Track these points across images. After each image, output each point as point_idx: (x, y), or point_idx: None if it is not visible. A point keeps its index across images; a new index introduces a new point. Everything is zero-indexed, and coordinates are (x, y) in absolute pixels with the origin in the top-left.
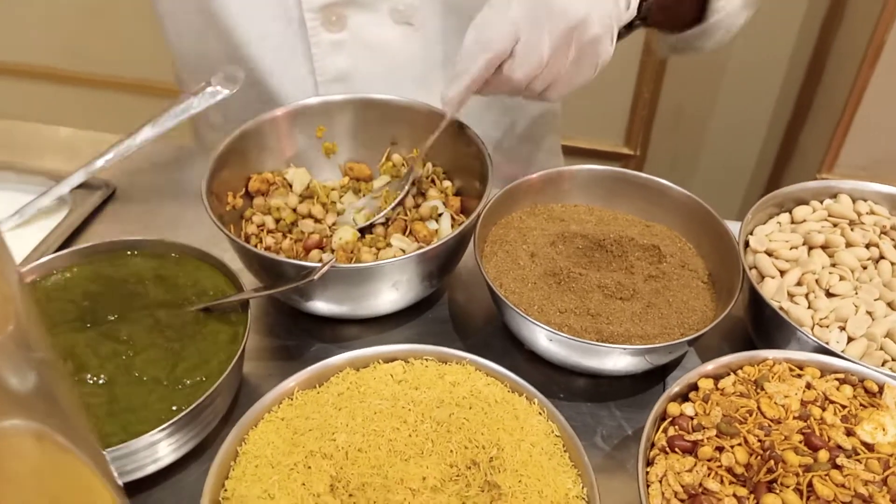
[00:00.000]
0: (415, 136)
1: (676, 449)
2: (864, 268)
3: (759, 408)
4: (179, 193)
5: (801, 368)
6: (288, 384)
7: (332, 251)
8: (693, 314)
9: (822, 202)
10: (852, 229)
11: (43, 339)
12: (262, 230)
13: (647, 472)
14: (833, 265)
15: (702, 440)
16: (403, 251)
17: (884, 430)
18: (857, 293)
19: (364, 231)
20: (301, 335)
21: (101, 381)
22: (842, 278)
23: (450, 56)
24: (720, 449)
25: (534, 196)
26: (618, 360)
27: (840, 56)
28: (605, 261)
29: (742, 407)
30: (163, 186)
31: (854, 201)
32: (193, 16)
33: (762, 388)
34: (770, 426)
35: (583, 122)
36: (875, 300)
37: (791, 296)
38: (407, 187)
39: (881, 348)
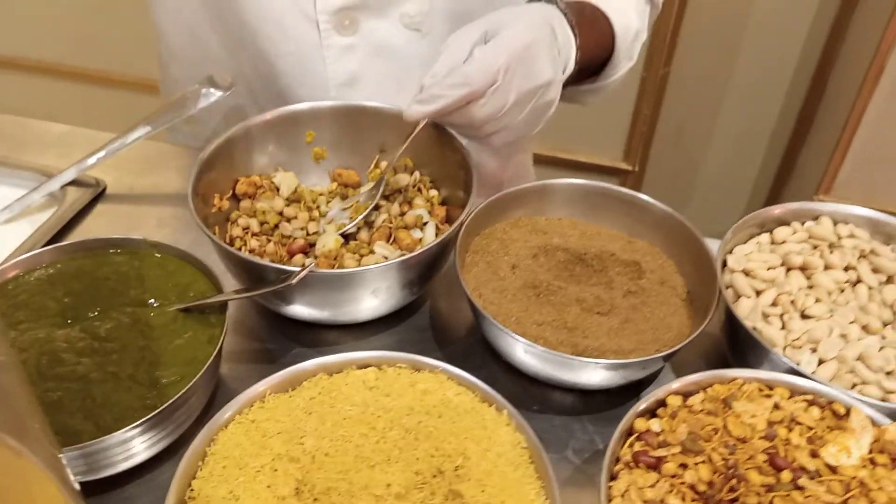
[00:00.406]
0: (403, 143)
1: (641, 464)
2: (842, 290)
3: (725, 426)
4: (167, 193)
5: (770, 388)
6: (260, 387)
7: (316, 256)
8: (669, 331)
9: (803, 224)
10: (832, 252)
11: (1, 341)
12: (248, 233)
13: (611, 487)
14: (810, 287)
15: (666, 456)
16: (386, 258)
17: (848, 452)
18: (832, 315)
19: (348, 237)
20: (281, 339)
21: (77, 377)
22: (818, 300)
23: None
24: (684, 466)
25: (518, 208)
26: (592, 374)
27: (841, 78)
28: (586, 275)
29: (708, 425)
30: (153, 186)
31: (835, 224)
32: (197, 18)
33: (730, 407)
34: (735, 445)
35: (582, 136)
36: (850, 323)
37: (766, 316)
38: (378, 197)
39: (852, 371)
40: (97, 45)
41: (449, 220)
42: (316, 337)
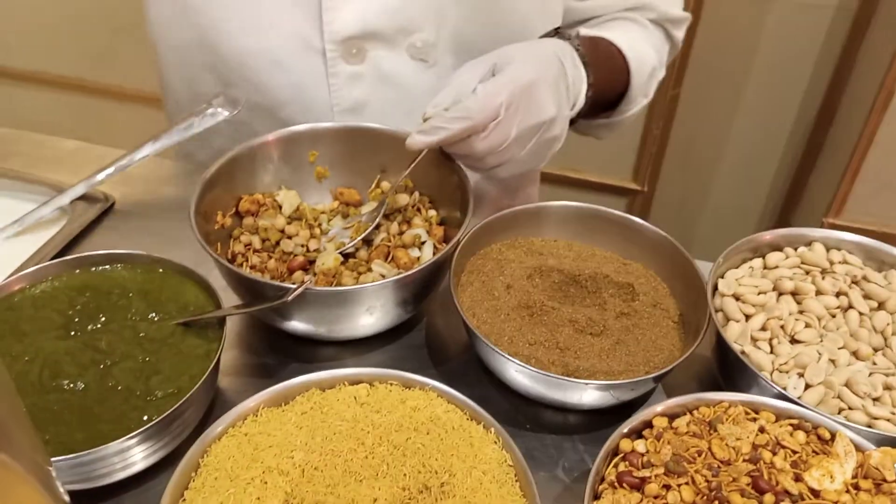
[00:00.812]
0: (404, 165)
1: (625, 484)
2: (833, 316)
3: (709, 448)
4: (174, 209)
5: (756, 412)
6: (253, 401)
7: (315, 274)
8: (660, 353)
9: (795, 249)
10: (823, 278)
11: None
12: (249, 249)
13: None
14: (801, 312)
15: (650, 477)
16: (384, 276)
17: (831, 477)
18: (822, 341)
19: (348, 255)
20: (279, 354)
21: (77, 389)
22: (808, 325)
23: None
24: (667, 487)
25: (515, 229)
26: (582, 394)
27: (851, 101)
28: (580, 296)
29: (693, 447)
30: (159, 202)
31: (828, 250)
32: (193, 49)
33: (715, 430)
34: (719, 467)
35: (591, 155)
36: (839, 349)
37: (754, 340)
38: (378, 218)
39: (838, 396)
40: (116, 61)
41: (446, 239)
42: (313, 352)
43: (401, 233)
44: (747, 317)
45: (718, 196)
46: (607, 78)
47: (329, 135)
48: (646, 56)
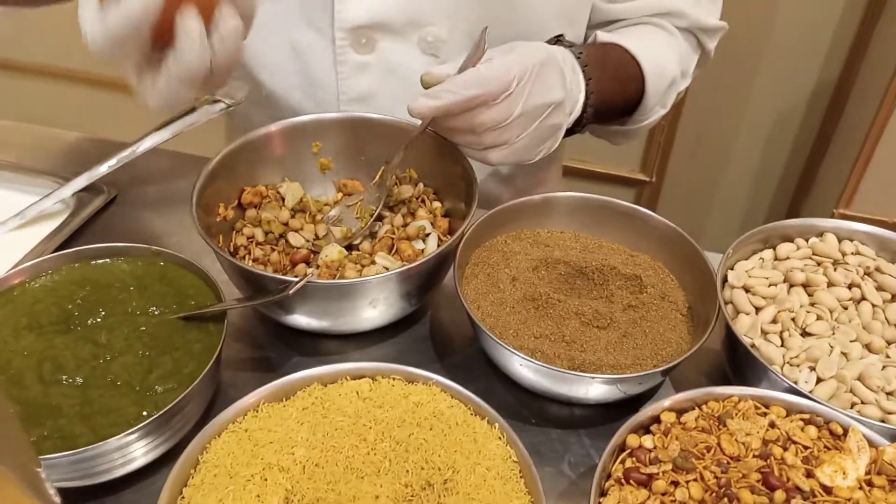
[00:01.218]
0: (408, 156)
1: (632, 481)
2: (846, 308)
3: (718, 444)
4: (177, 201)
5: (766, 406)
6: (253, 396)
7: (318, 266)
8: (668, 346)
9: (807, 240)
10: (835, 269)
11: None
12: (252, 242)
13: (600, 503)
14: (812, 304)
15: (657, 474)
16: (387, 269)
17: (844, 473)
18: (834, 334)
19: (351, 248)
20: (282, 347)
21: (76, 383)
22: (819, 318)
23: None
24: (675, 483)
25: (520, 220)
26: (588, 388)
27: (862, 91)
28: (586, 288)
29: (701, 442)
30: (162, 194)
31: (840, 241)
32: None
33: (724, 425)
34: (728, 463)
35: (599, 146)
36: (852, 341)
37: (765, 333)
38: (382, 200)
39: (851, 391)
40: None
41: (451, 231)
42: (316, 346)
43: (405, 224)
44: (757, 309)
45: (728, 187)
46: (615, 87)
47: (332, 125)
48: (666, 65)
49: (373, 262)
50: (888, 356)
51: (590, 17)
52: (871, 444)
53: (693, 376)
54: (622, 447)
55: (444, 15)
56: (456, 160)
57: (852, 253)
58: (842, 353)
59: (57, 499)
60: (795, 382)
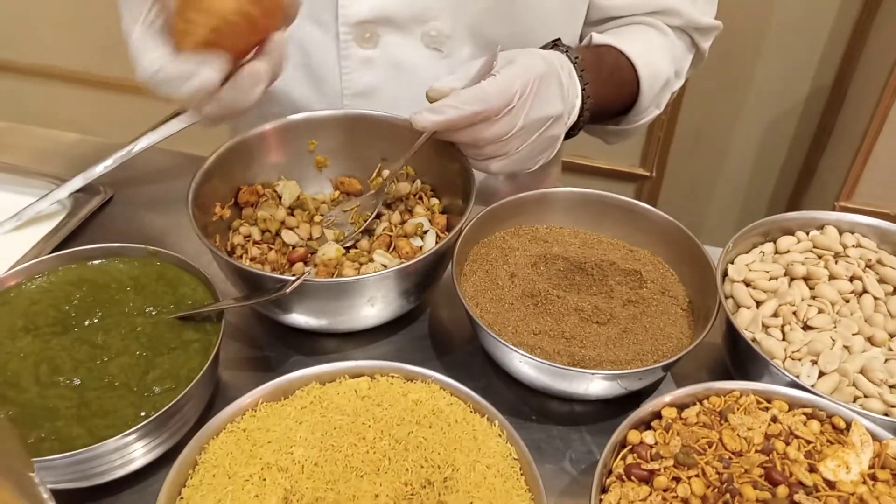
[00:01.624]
0: (406, 153)
1: (633, 477)
2: (847, 301)
3: (720, 439)
4: (174, 201)
5: (768, 401)
6: (252, 396)
7: (316, 265)
8: (668, 341)
9: (807, 233)
10: (836, 262)
11: None
12: (249, 241)
13: (601, 500)
14: (813, 297)
15: (659, 470)
16: (385, 266)
17: (847, 467)
18: (835, 327)
19: (349, 246)
20: (281, 347)
21: (74, 385)
22: (821, 311)
23: None
24: (677, 479)
25: (518, 216)
26: (589, 384)
27: (861, 84)
28: (586, 284)
29: (703, 438)
30: (158, 194)
31: (841, 233)
32: None
33: (726, 420)
34: (730, 459)
35: (598, 141)
36: (854, 335)
37: (766, 327)
38: (378, 206)
39: (853, 384)
40: (123, 54)
41: (450, 228)
42: (315, 345)
43: (403, 222)
44: (758, 303)
45: (728, 181)
46: (611, 90)
47: (328, 123)
48: (660, 67)
49: (371, 260)
50: (891, 349)
51: (587, 14)
52: (875, 437)
53: (694, 371)
54: (623, 443)
55: (447, 10)
56: (453, 157)
57: (853, 245)
58: (844, 346)
59: (51, 503)
60: (797, 376)
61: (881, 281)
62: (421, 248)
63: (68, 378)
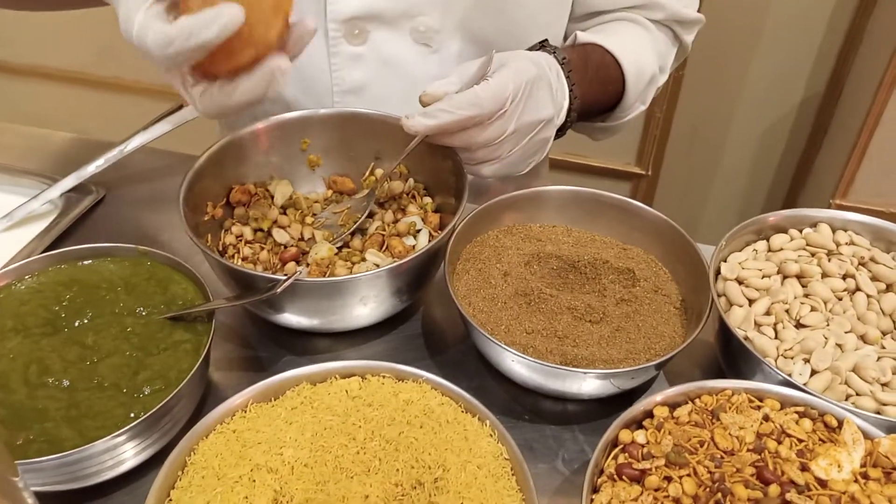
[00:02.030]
0: (398, 151)
1: (624, 477)
2: (840, 299)
3: (712, 438)
4: (166, 200)
5: (760, 400)
6: (242, 396)
7: (308, 264)
8: (661, 340)
9: (800, 231)
10: (829, 260)
11: None
12: (241, 241)
13: (592, 500)
14: (806, 296)
15: (650, 469)
16: (378, 266)
17: (839, 466)
18: (828, 325)
19: (342, 245)
20: (273, 347)
21: (63, 386)
22: (813, 309)
23: None
24: (668, 479)
25: (511, 215)
26: (581, 383)
27: (857, 82)
28: (579, 283)
29: (695, 437)
30: (150, 193)
31: (834, 231)
32: None
33: (717, 419)
34: (722, 458)
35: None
36: (846, 333)
37: (758, 325)
38: (368, 208)
39: (845, 382)
40: (122, 53)
41: (442, 227)
42: (308, 345)
43: (395, 221)
44: (751, 301)
45: (724, 179)
46: (597, 89)
47: (321, 122)
48: (645, 63)
49: (363, 260)
50: (883, 347)
51: (572, 10)
52: (867, 436)
53: (687, 370)
54: (615, 443)
55: (435, 5)
56: (446, 155)
57: (846, 243)
58: (836, 344)
59: None
60: (789, 375)
61: (874, 279)
62: (414, 247)
63: (58, 379)
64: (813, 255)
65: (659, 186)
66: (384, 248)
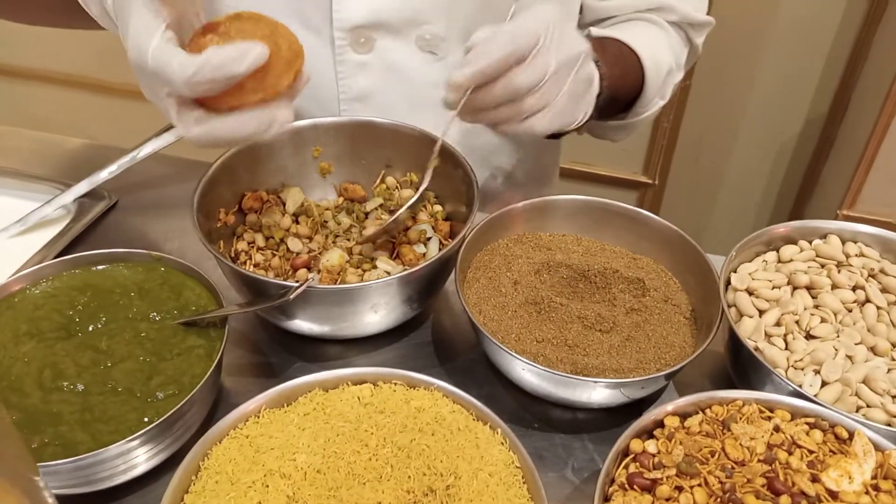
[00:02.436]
0: (409, 160)
1: (635, 486)
2: (850, 311)
3: (723, 449)
4: (178, 206)
5: (771, 410)
6: (255, 402)
7: (319, 271)
8: (671, 350)
9: (810, 242)
10: (839, 271)
11: None
12: (253, 247)
13: None
14: (816, 307)
15: (661, 479)
16: (388, 273)
17: (850, 477)
18: (838, 336)
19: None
20: (284, 353)
21: (77, 390)
22: (823, 320)
23: None
24: (679, 489)
25: (522, 224)
26: (591, 392)
27: (865, 92)
28: (589, 292)
29: (706, 447)
30: (163, 199)
31: (844, 242)
32: None
33: (728, 429)
34: (733, 468)
35: (601, 149)
36: (856, 344)
37: (769, 336)
38: (422, 188)
39: (856, 394)
40: (124, 60)
41: (453, 235)
42: (318, 351)
43: (406, 229)
44: (761, 312)
45: (730, 189)
46: (619, 75)
47: (332, 130)
48: (662, 56)
49: (374, 267)
50: (893, 359)
51: (580, 17)
52: (877, 447)
53: (697, 380)
54: (626, 452)
55: (441, 13)
56: (457, 163)
57: (856, 255)
58: (846, 355)
59: None
60: (800, 386)
61: (884, 290)
62: (424, 255)
63: (72, 383)
64: (823, 266)
65: (665, 196)
66: (395, 255)
